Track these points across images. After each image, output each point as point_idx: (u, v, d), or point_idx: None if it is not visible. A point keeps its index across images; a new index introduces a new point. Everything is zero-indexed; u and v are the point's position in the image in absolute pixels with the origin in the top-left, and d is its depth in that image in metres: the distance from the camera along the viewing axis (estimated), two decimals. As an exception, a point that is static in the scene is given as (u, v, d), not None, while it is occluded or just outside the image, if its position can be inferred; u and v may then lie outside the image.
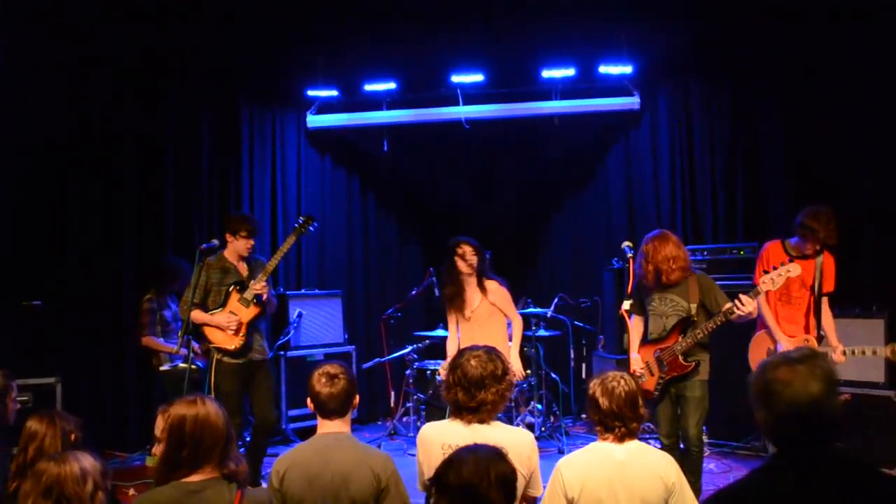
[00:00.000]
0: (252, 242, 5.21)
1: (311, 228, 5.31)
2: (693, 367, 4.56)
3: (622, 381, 2.93)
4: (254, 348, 5.17)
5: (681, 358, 4.58)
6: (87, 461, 2.54)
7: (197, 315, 5.07)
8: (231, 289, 5.12)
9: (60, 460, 2.50)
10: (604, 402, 2.89)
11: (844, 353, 4.83)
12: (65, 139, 6.60)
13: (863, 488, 1.84)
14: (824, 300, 5.05)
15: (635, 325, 4.91)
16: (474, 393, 3.00)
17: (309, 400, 3.05)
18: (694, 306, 4.60)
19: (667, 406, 4.66)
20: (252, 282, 5.12)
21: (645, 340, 4.85)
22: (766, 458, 2.01)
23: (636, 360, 4.80)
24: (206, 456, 2.46)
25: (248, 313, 5.12)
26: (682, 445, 4.66)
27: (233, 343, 5.07)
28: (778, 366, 1.93)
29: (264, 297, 5.14)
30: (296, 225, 5.28)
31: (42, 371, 5.90)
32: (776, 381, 1.90)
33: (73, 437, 3.27)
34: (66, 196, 6.64)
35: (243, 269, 5.25)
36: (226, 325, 5.04)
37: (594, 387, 2.96)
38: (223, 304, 5.11)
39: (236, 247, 5.18)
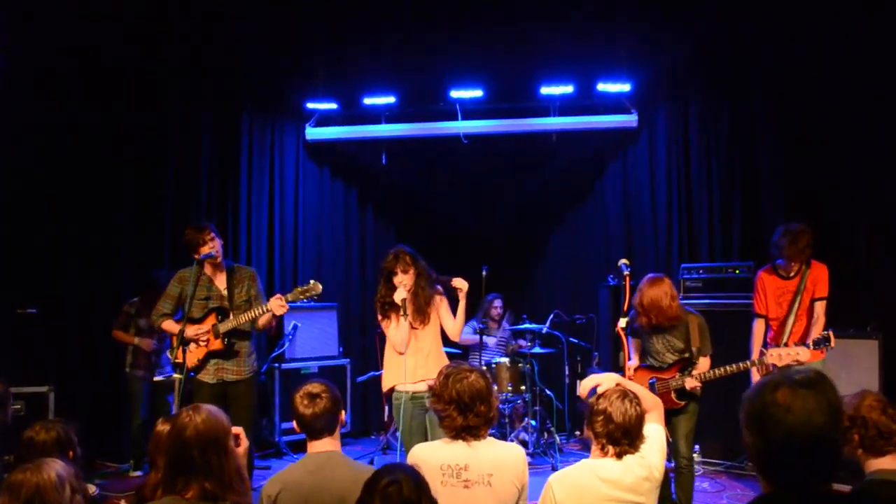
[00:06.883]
0: (216, 244, 4.91)
1: (307, 301, 5.04)
2: (682, 407, 4.61)
3: (635, 400, 2.91)
4: (226, 368, 4.95)
5: (673, 395, 4.60)
6: (59, 466, 2.49)
7: (168, 325, 5.01)
8: (211, 313, 4.94)
9: (35, 469, 2.43)
10: (618, 416, 2.85)
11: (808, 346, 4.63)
12: (64, 148, 6.62)
13: None
14: (819, 305, 5.04)
15: (634, 342, 4.95)
16: (475, 408, 2.95)
17: (295, 423, 2.99)
18: (695, 350, 4.63)
19: None
20: (232, 317, 4.90)
21: (643, 364, 4.84)
22: (757, 497, 1.74)
23: (631, 367, 4.82)
24: (195, 471, 2.34)
25: (215, 343, 4.92)
26: (669, 463, 4.63)
27: (191, 360, 4.87)
28: (779, 387, 1.66)
29: (260, 323, 4.96)
30: (302, 285, 4.93)
31: (35, 379, 5.90)
32: (775, 405, 1.64)
33: (70, 454, 3.17)
34: (64, 204, 6.64)
35: (221, 281, 5.03)
36: (193, 336, 4.86)
37: (609, 400, 2.90)
38: (200, 321, 4.94)
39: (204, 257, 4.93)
